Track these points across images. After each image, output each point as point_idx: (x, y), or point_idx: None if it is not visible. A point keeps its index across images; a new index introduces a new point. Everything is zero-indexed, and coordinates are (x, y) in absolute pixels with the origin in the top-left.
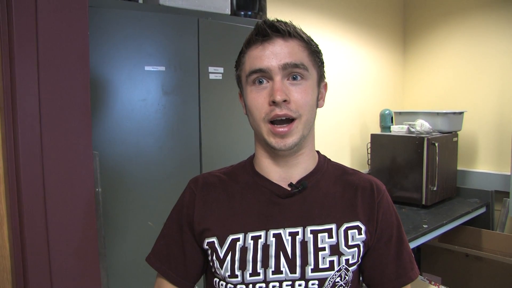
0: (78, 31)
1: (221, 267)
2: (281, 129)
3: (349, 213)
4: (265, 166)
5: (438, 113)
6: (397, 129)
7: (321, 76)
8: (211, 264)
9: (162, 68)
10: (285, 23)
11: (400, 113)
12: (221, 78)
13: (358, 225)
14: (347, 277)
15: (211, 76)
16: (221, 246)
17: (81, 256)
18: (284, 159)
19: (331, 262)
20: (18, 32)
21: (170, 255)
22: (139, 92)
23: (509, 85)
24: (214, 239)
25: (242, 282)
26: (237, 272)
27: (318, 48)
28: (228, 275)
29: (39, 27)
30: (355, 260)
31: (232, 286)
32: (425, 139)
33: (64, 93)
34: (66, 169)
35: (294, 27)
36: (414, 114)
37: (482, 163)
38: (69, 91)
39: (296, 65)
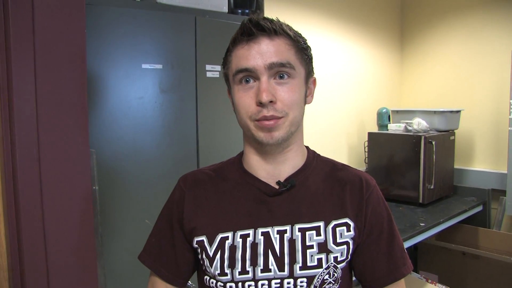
0: (75, 29)
1: (211, 266)
2: (268, 122)
3: (338, 210)
4: (254, 164)
5: (435, 112)
6: (394, 127)
7: (309, 73)
8: (201, 262)
9: (159, 66)
10: (271, 20)
11: (397, 111)
12: (218, 76)
13: (346, 222)
14: (336, 274)
15: (208, 74)
16: (211, 244)
17: (78, 253)
18: (272, 156)
19: (319, 260)
20: (14, 30)
21: (162, 253)
22: (136, 90)
23: (506, 84)
24: (203, 238)
25: (232, 280)
26: (227, 271)
27: (306, 44)
28: (218, 273)
29: (36, 25)
30: (344, 257)
31: (222, 284)
32: (422, 137)
33: (61, 91)
34: (63, 167)
35: (281, 25)
36: (411, 113)
37: (479, 161)
38: (66, 89)
39: (282, 65)
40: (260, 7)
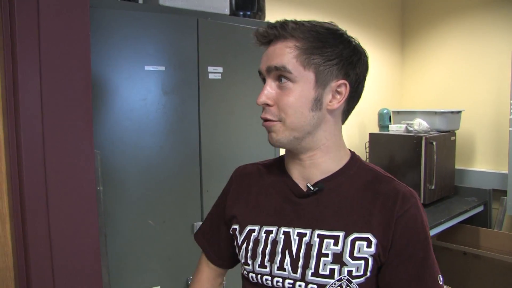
0: (79, 31)
1: (239, 253)
2: (265, 123)
3: (363, 223)
4: (288, 164)
5: (436, 112)
6: (395, 128)
7: (327, 76)
8: (235, 249)
9: (162, 68)
10: (276, 25)
11: (398, 112)
12: (220, 77)
13: (368, 237)
14: None
15: (211, 76)
16: (240, 234)
17: (82, 254)
18: (298, 158)
19: (332, 270)
20: (20, 33)
21: (210, 234)
22: (139, 91)
23: (507, 84)
24: (236, 226)
25: (253, 271)
26: (249, 261)
27: (326, 45)
28: (243, 262)
29: (41, 28)
30: (361, 273)
31: (246, 272)
32: (423, 138)
33: (66, 93)
34: (68, 167)
35: (287, 27)
36: (412, 113)
37: (480, 162)
38: (71, 91)
39: (277, 68)
40: (261, 9)
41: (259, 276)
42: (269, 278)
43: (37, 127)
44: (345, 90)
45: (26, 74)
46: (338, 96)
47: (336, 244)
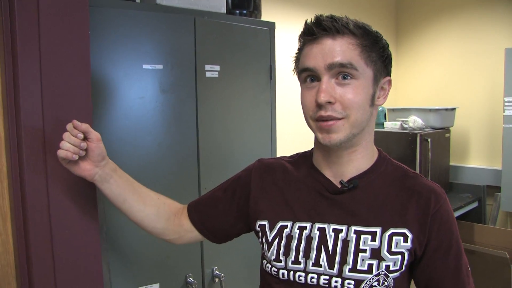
0: (79, 31)
1: (268, 250)
2: (325, 123)
3: (398, 218)
4: (320, 161)
5: (430, 110)
6: (390, 125)
7: (380, 73)
8: (261, 246)
9: (160, 67)
10: (335, 19)
11: (393, 109)
12: (217, 76)
13: (404, 233)
14: (386, 283)
15: (208, 74)
16: (271, 230)
17: (83, 250)
18: (336, 155)
19: (370, 265)
20: (20, 32)
21: (203, 207)
22: (136, 90)
23: (500, 82)
24: (265, 222)
25: (285, 268)
26: (281, 258)
27: (377, 44)
28: (273, 259)
29: (41, 28)
30: (397, 268)
31: (276, 270)
32: (418, 135)
33: (66, 92)
34: None
35: (347, 23)
36: (407, 111)
37: (474, 158)
38: (71, 90)
39: (343, 65)
40: (257, 8)
41: (291, 272)
42: (303, 274)
43: (38, 125)
44: (388, 86)
45: (27, 72)
46: (382, 93)
47: (373, 239)
